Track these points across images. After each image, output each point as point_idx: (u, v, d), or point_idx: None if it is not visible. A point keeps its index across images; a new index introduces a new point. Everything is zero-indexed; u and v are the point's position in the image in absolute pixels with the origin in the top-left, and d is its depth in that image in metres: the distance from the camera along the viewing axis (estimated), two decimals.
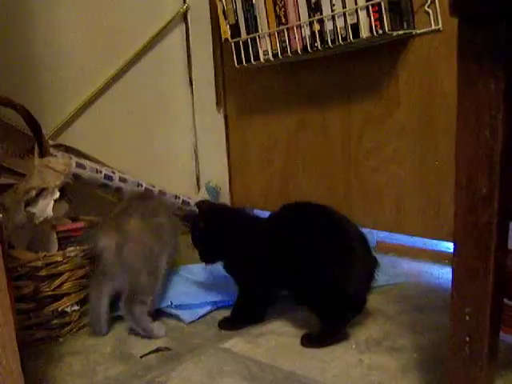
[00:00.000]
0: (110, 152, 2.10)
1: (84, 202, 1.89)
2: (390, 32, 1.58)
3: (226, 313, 1.45)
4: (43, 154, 1.60)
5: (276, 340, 1.31)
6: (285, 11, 1.80)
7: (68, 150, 1.92)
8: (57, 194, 1.44)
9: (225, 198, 2.45)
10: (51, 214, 1.41)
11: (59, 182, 1.45)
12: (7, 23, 1.87)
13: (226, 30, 2.01)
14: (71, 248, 1.41)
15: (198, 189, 2.50)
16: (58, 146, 1.90)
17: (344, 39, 1.65)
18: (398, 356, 1.19)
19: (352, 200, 1.97)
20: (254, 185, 2.36)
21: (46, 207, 1.40)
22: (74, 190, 1.80)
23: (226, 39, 2.02)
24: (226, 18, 2.00)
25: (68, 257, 1.38)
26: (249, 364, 1.20)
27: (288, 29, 1.80)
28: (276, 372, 1.16)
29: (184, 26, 2.36)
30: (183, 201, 2.27)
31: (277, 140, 2.19)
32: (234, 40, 1.98)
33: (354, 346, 1.25)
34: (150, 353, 1.28)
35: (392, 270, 1.71)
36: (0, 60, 1.82)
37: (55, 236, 1.48)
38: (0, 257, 0.84)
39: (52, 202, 1.42)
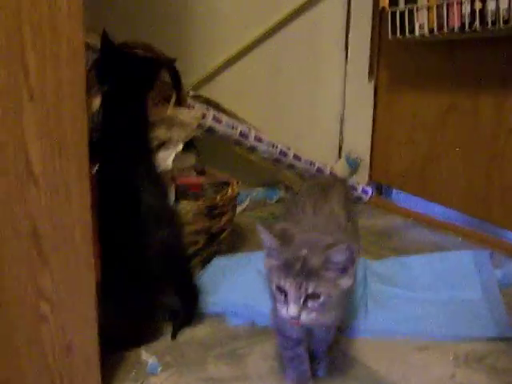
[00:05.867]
0: (250, 108, 2.09)
1: (214, 154, 1.92)
2: None
3: None
4: (180, 104, 1.62)
5: None
6: None
7: (208, 102, 1.94)
8: (180, 147, 1.46)
9: (364, 172, 2.38)
10: (170, 166, 1.43)
11: (184, 135, 1.47)
12: None
13: None
14: (185, 202, 1.44)
15: (339, 158, 2.44)
16: (198, 97, 1.92)
17: (506, 22, 1.50)
18: (496, 378, 1.09)
19: (493, 197, 1.82)
20: (394, 163, 2.27)
21: (166, 158, 1.42)
22: (204, 142, 1.83)
23: (384, 7, 1.93)
24: None
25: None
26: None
27: (448, 4, 1.66)
28: (359, 368, 1.11)
29: None
30: (318, 168, 2.22)
31: (423, 120, 2.06)
32: (391, 9, 1.87)
33: (451, 358, 1.16)
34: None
35: None
36: (155, 13, 1.89)
37: (173, 187, 1.50)
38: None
39: (173, 154, 1.44)
